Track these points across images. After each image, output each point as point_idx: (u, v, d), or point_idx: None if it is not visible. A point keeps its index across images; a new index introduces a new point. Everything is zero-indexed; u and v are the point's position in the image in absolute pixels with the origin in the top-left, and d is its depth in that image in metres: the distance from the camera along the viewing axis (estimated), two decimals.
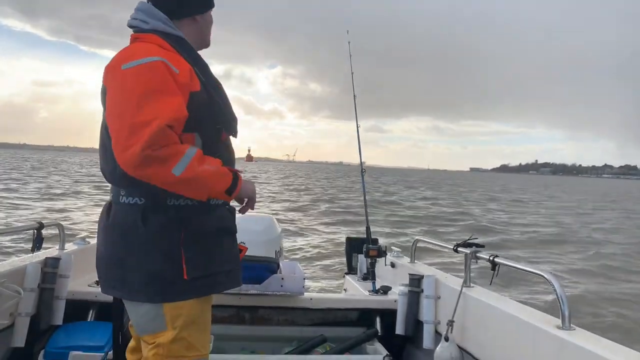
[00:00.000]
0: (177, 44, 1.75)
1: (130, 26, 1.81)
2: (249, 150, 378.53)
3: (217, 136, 1.78)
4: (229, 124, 1.83)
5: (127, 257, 1.69)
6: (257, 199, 1.88)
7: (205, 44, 1.94)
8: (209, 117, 1.73)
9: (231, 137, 1.89)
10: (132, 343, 2.00)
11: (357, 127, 3.96)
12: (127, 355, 2.00)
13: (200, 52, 1.86)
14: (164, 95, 1.57)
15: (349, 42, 4.05)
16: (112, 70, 1.66)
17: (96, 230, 1.86)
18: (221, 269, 1.76)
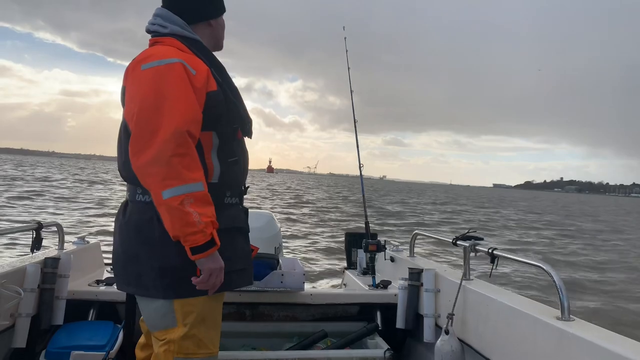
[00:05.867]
0: (194, 46, 1.80)
1: (149, 31, 1.87)
2: (269, 162, 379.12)
3: (233, 135, 1.82)
4: (244, 124, 1.87)
5: (142, 253, 1.71)
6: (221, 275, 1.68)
7: (219, 46, 1.98)
8: (226, 116, 1.77)
9: (246, 139, 1.93)
10: (141, 339, 2.02)
11: (355, 121, 3.99)
12: (137, 351, 2.02)
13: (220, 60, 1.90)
14: (181, 97, 1.61)
15: (345, 38, 4.12)
16: (131, 70, 1.71)
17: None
18: (234, 267, 1.77)
